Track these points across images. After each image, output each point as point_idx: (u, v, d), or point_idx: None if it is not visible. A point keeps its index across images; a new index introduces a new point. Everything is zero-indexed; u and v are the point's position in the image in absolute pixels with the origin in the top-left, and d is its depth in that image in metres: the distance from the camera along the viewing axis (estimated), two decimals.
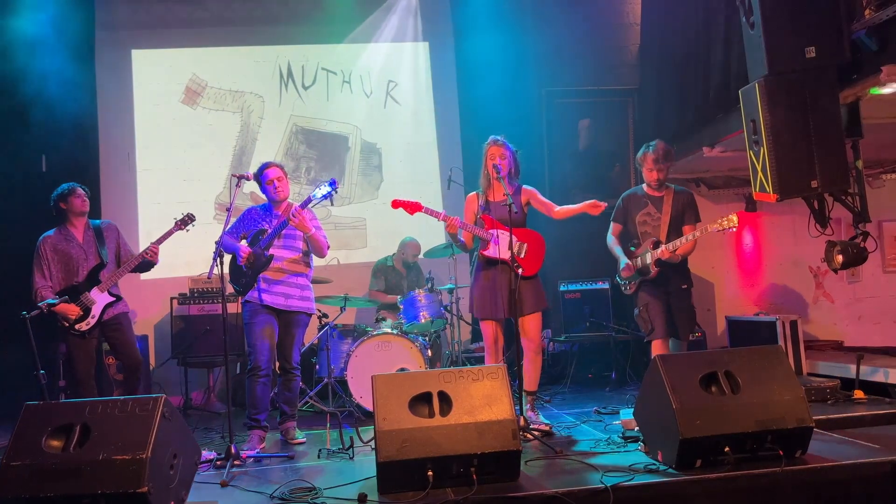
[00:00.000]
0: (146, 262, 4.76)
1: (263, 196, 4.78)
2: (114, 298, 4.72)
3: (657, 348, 4.67)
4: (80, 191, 4.80)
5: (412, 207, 4.57)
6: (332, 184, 4.42)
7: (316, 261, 4.83)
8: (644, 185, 4.90)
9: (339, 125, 7.56)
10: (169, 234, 4.70)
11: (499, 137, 4.66)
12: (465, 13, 7.58)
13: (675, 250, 4.62)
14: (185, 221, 4.72)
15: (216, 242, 4.25)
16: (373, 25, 7.56)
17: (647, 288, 4.78)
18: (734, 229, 4.53)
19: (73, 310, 4.60)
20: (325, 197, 4.43)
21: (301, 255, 4.66)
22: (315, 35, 7.53)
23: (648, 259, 4.71)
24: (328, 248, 4.68)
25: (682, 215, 4.78)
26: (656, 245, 4.69)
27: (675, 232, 4.73)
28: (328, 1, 7.44)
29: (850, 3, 4.26)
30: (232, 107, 7.43)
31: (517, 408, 3.73)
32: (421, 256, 6.49)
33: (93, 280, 4.69)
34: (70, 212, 4.77)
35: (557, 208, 4.71)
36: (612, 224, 5.00)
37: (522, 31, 7.43)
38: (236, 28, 7.36)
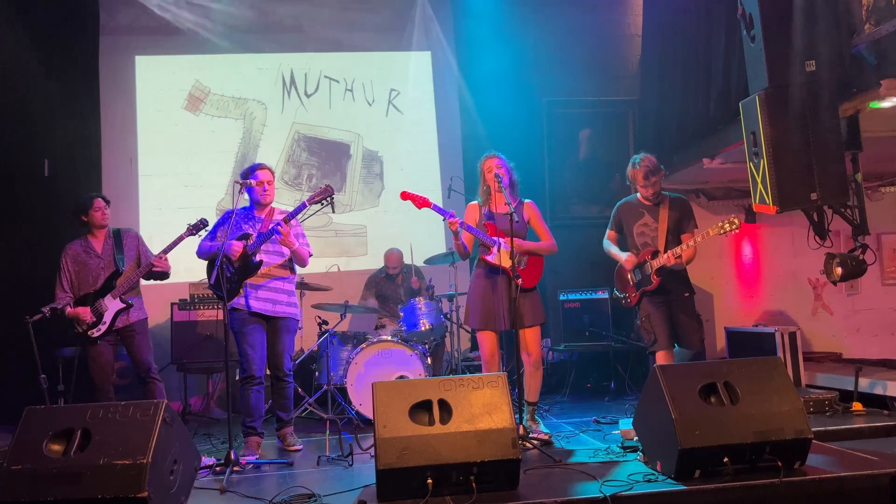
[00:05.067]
0: (159, 271, 4.80)
1: None
2: (124, 305, 4.72)
3: (661, 359, 4.64)
4: (99, 203, 4.83)
5: (420, 202, 4.55)
6: (320, 194, 4.41)
7: (315, 268, 4.83)
8: (638, 195, 4.88)
9: (341, 133, 7.59)
10: (180, 239, 4.68)
11: (494, 152, 4.67)
12: (467, 23, 7.62)
13: (678, 256, 4.59)
14: (198, 227, 4.67)
15: (197, 251, 4.23)
16: (375, 34, 7.60)
17: (648, 299, 4.75)
18: (737, 230, 4.48)
19: (85, 313, 4.66)
20: (311, 201, 4.41)
21: (286, 259, 4.64)
22: (318, 43, 7.56)
23: (648, 269, 4.70)
24: (310, 255, 4.68)
25: (679, 223, 4.76)
26: (655, 255, 4.68)
27: (673, 240, 4.71)
28: (331, 9, 7.49)
29: (850, 17, 4.30)
30: (234, 113, 7.46)
31: (517, 417, 3.74)
32: (422, 264, 6.50)
33: (108, 287, 4.73)
34: (91, 224, 4.83)
35: (544, 242, 4.69)
36: (607, 231, 5.01)
37: (524, 41, 7.48)
38: (240, 35, 7.39)
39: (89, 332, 4.66)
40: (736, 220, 4.46)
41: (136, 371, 4.86)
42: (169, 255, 4.82)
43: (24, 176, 6.63)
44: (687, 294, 4.79)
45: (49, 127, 6.55)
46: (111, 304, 4.71)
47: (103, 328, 4.68)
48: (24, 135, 6.57)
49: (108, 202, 4.92)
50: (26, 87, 6.52)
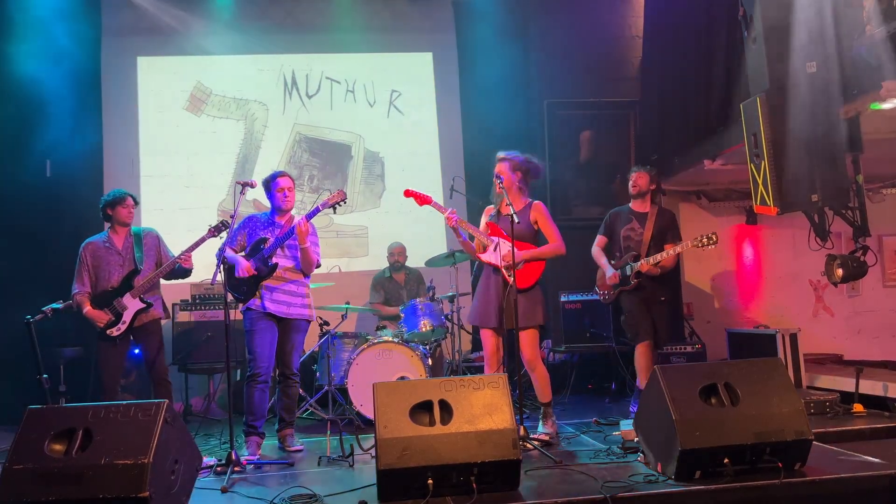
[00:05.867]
0: (181, 270, 4.80)
1: (266, 204, 4.79)
2: (144, 305, 4.72)
3: (642, 349, 5.04)
4: (129, 201, 4.83)
5: (422, 199, 4.67)
6: (334, 198, 4.46)
7: (317, 269, 4.85)
8: (630, 204, 5.31)
9: (342, 134, 7.60)
10: (202, 240, 4.65)
11: (504, 152, 4.70)
12: (468, 24, 7.62)
13: (656, 263, 4.97)
14: (219, 228, 4.64)
15: (217, 253, 4.28)
16: (377, 35, 7.60)
17: (627, 296, 5.14)
18: (714, 245, 4.80)
19: (102, 317, 4.64)
20: (325, 206, 4.47)
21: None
22: (319, 44, 7.58)
23: (629, 271, 5.08)
24: (317, 266, 4.70)
25: (663, 234, 5.14)
26: (636, 259, 5.07)
27: (655, 248, 5.09)
28: (333, 10, 7.50)
29: (851, 18, 4.30)
30: (236, 114, 7.47)
31: (517, 418, 3.75)
32: (422, 265, 6.50)
33: (127, 286, 4.71)
34: (115, 220, 4.83)
35: (547, 246, 4.65)
36: (598, 237, 5.37)
37: (525, 42, 7.49)
38: (241, 36, 7.40)
39: (108, 332, 4.64)
40: (714, 236, 4.83)
41: (148, 371, 4.82)
42: (171, 257, 4.87)
43: (26, 176, 6.64)
44: (663, 298, 5.13)
45: (51, 128, 6.56)
46: (131, 304, 4.69)
47: (123, 327, 4.66)
48: (26, 135, 6.58)
49: (137, 202, 4.93)
50: (28, 87, 6.54)
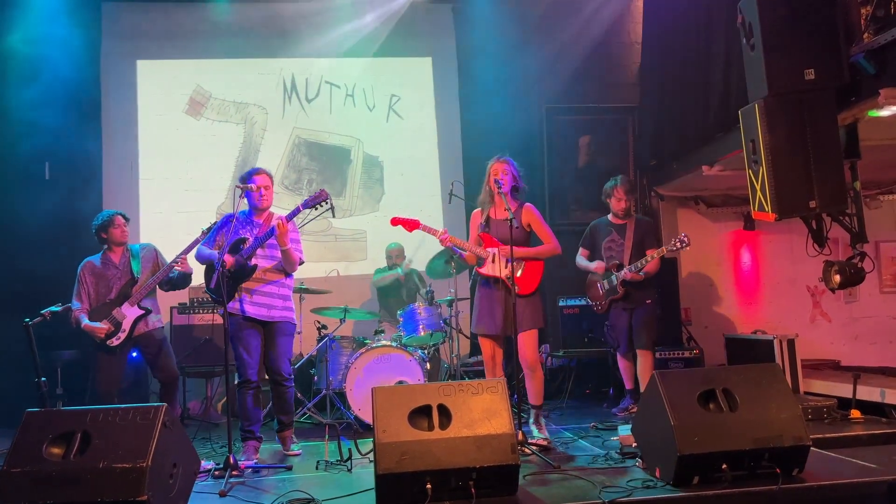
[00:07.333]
0: (182, 277, 4.85)
1: None
2: (143, 312, 4.76)
3: (620, 360, 5.67)
4: (119, 220, 4.90)
5: (410, 225, 4.70)
6: (315, 198, 4.40)
7: (315, 272, 4.82)
8: (609, 216, 5.67)
9: (341, 138, 7.61)
10: (195, 243, 4.68)
11: (503, 155, 4.70)
12: (468, 29, 7.65)
13: (639, 270, 5.31)
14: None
15: (196, 255, 4.24)
16: (376, 40, 7.61)
17: (615, 307, 5.57)
18: (687, 247, 5.22)
19: (99, 330, 4.68)
20: (306, 206, 4.40)
21: (280, 263, 4.55)
22: (319, 48, 7.57)
23: (614, 280, 5.44)
24: (300, 263, 4.59)
25: (643, 241, 5.49)
26: (620, 268, 5.43)
27: (637, 256, 5.42)
28: (333, 14, 7.51)
29: (850, 26, 4.32)
30: (235, 118, 7.48)
31: (516, 422, 3.75)
32: (422, 270, 6.50)
33: (125, 296, 4.76)
34: (110, 241, 4.90)
35: (545, 245, 4.65)
36: (580, 248, 5.77)
37: (525, 47, 7.50)
38: (241, 40, 7.41)
39: (108, 342, 4.68)
40: (686, 238, 5.20)
41: (156, 376, 4.88)
42: (170, 260, 4.87)
43: (25, 179, 6.65)
44: (648, 301, 5.47)
45: (50, 130, 6.56)
46: (129, 312, 4.74)
47: (123, 336, 4.71)
48: (25, 138, 6.58)
49: (127, 220, 4.98)
50: (28, 89, 6.54)
